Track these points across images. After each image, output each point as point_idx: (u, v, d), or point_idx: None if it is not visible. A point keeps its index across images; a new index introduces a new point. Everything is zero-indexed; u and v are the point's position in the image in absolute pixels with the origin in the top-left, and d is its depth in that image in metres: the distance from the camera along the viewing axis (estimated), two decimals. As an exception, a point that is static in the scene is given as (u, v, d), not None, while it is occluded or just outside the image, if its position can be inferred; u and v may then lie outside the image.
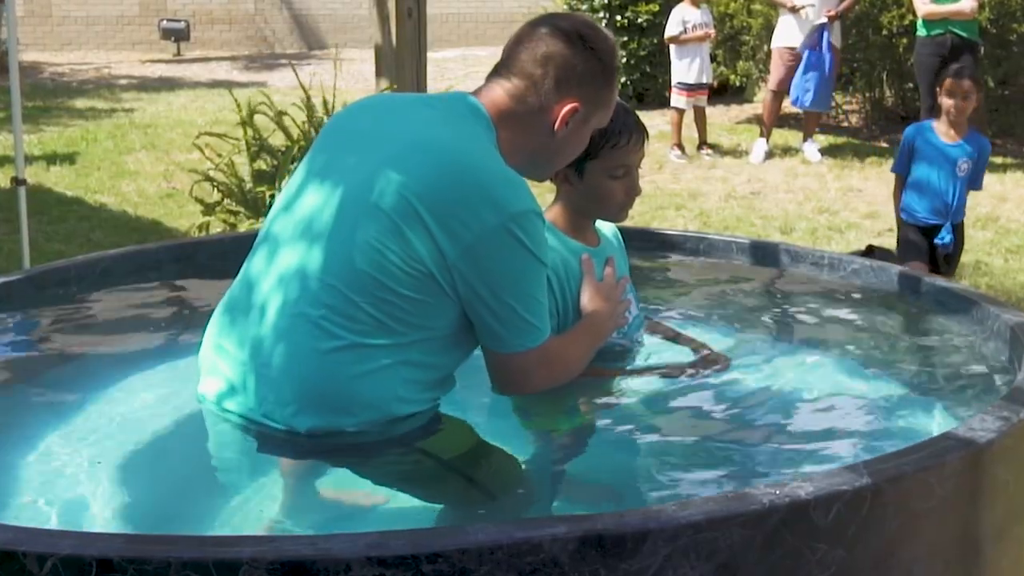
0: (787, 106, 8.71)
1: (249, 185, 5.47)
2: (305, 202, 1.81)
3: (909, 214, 4.64)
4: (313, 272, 1.74)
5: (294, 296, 1.75)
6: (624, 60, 9.54)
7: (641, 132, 2.09)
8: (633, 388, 2.07)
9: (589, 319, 2.00)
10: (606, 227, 2.23)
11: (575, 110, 1.84)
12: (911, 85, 8.38)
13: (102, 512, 1.62)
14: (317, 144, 1.91)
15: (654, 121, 9.22)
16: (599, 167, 2.06)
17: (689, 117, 8.11)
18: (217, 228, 5.45)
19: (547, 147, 1.89)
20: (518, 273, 1.76)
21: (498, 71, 1.87)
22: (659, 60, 9.27)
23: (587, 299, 2.03)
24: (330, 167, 1.82)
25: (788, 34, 7.93)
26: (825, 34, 7.72)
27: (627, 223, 2.30)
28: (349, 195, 1.76)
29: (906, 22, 8.15)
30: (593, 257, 2.10)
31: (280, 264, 1.79)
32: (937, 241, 4.55)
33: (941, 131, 4.57)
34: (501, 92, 1.85)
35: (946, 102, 4.52)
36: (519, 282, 1.76)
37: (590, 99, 1.85)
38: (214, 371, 1.84)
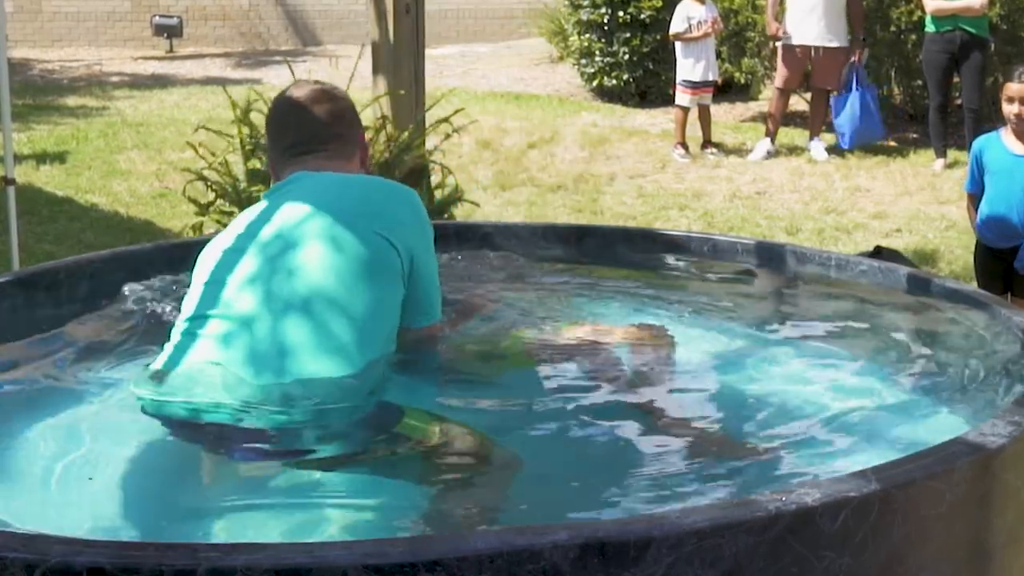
0: (793, 103, 8.68)
1: (244, 185, 5.43)
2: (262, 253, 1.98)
3: (983, 235, 4.16)
4: (303, 305, 1.90)
5: (284, 329, 1.88)
6: (627, 57, 9.52)
7: None
8: (631, 388, 2.06)
9: None
10: None
11: (365, 141, 2.25)
12: (920, 82, 8.34)
13: (94, 517, 1.60)
14: (209, 254, 2.06)
15: (657, 119, 9.19)
16: None
17: (693, 115, 8.08)
18: (211, 229, 5.41)
19: None
20: (432, 244, 2.09)
21: (306, 150, 2.13)
22: (662, 57, 9.24)
23: None
24: (267, 232, 2.01)
25: (795, 31, 7.90)
26: (855, 75, 7.74)
27: (630, 223, 2.28)
28: (298, 232, 1.98)
29: (915, 18, 8.11)
30: None
31: (259, 308, 1.91)
32: (1016, 265, 4.04)
33: (1009, 141, 4.05)
34: (324, 161, 2.13)
35: (1006, 108, 4.02)
36: (433, 253, 2.09)
37: (361, 126, 2.26)
38: (196, 389, 1.87)
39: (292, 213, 2.01)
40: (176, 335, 1.96)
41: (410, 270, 2.00)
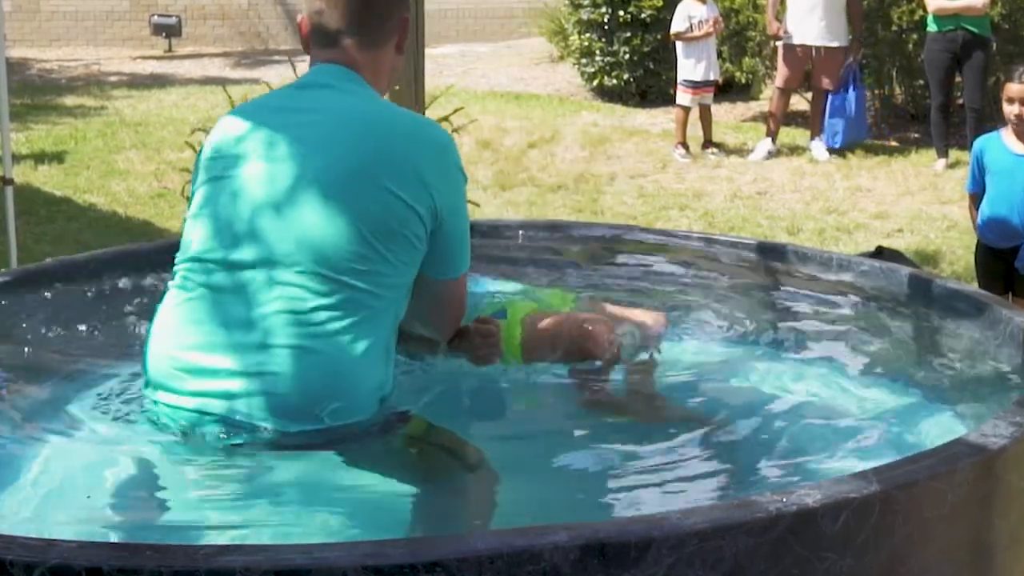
0: (794, 103, 8.68)
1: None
2: (248, 202, 1.86)
3: (984, 235, 4.17)
4: (295, 264, 1.80)
5: (279, 295, 1.80)
6: (627, 57, 9.51)
7: None
8: (632, 387, 2.06)
9: None
10: None
11: (407, 21, 2.02)
12: (921, 82, 8.34)
13: (93, 519, 1.60)
14: (214, 163, 1.94)
15: (658, 119, 9.19)
16: None
17: (694, 115, 8.08)
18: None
19: (397, 61, 2.05)
20: (462, 195, 1.95)
21: (339, 33, 1.94)
22: (663, 56, 9.23)
23: None
24: (263, 166, 1.86)
25: (796, 30, 7.90)
26: (852, 75, 7.74)
27: (630, 223, 2.28)
28: (302, 182, 1.83)
29: (916, 17, 8.10)
30: None
31: (252, 266, 1.83)
32: (1017, 265, 4.03)
33: (1010, 141, 4.07)
34: (353, 53, 1.94)
35: (1007, 108, 4.04)
36: (463, 204, 1.96)
37: (407, 5, 2.03)
38: (188, 382, 1.82)
39: (284, 169, 1.84)
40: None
41: (434, 228, 1.87)
